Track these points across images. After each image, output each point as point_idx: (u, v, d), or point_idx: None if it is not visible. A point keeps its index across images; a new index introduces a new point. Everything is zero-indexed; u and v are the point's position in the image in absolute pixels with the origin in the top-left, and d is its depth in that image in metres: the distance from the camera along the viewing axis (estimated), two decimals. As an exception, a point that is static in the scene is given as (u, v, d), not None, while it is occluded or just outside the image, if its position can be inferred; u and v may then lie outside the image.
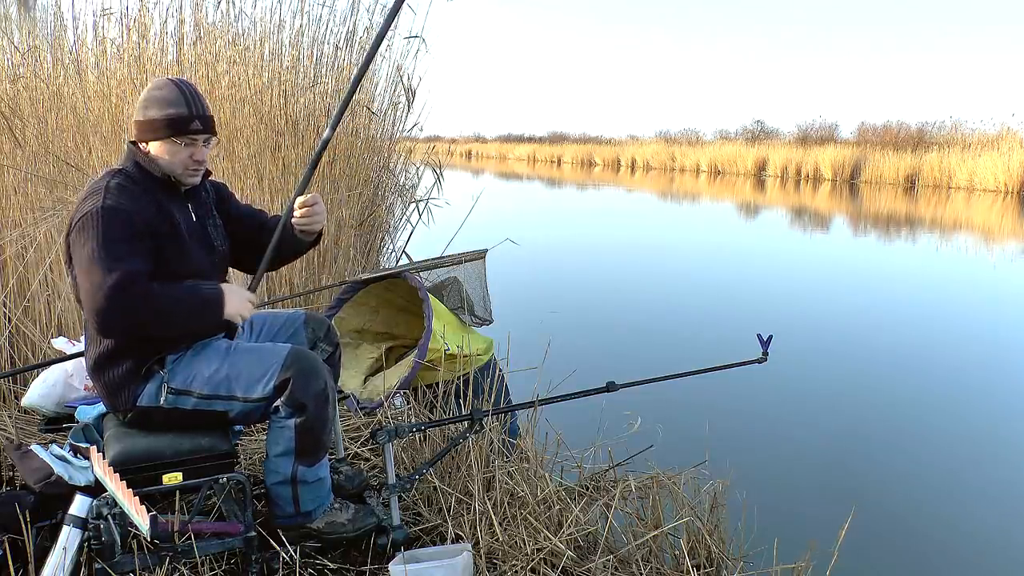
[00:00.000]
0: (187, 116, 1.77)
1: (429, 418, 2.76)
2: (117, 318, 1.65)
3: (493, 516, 2.04)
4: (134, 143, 1.84)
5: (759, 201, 18.42)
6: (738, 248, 10.43)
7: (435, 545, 2.04)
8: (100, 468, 1.65)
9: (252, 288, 1.94)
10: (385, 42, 4.23)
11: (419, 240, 4.64)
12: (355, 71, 2.06)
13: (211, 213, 1.99)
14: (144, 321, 1.68)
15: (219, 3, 3.93)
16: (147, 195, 1.78)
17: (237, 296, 1.79)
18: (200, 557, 1.79)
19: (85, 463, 1.97)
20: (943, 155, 22.31)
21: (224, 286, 1.80)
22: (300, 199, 1.96)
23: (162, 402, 1.79)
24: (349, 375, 3.05)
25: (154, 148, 1.81)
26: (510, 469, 2.25)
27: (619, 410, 2.66)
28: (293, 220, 1.97)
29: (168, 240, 1.78)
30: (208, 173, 1.98)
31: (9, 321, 3.18)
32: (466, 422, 2.16)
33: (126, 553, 1.66)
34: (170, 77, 1.84)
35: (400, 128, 4.56)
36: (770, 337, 2.43)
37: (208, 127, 1.82)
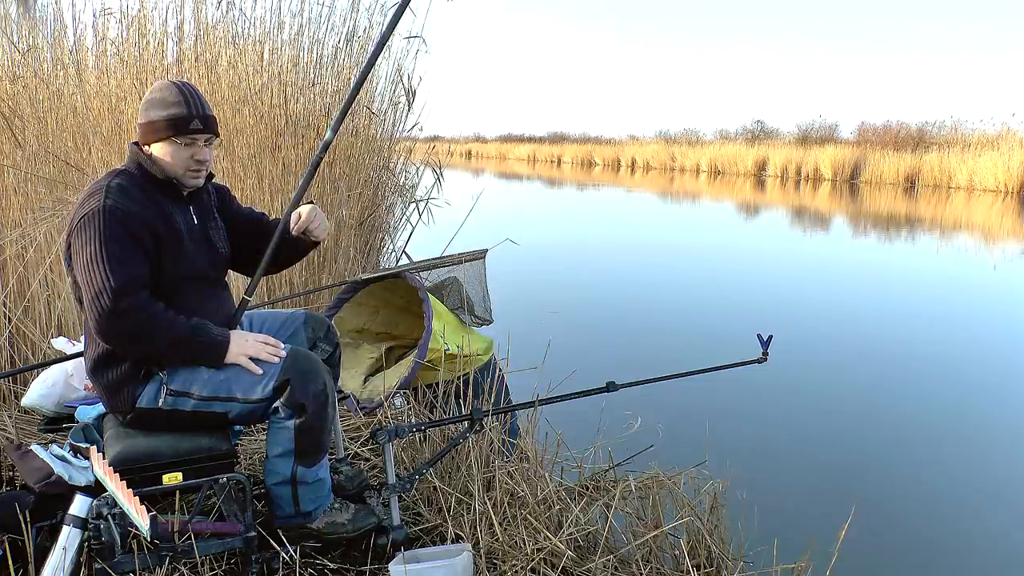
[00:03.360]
0: (187, 116, 1.78)
1: (429, 418, 2.76)
2: (116, 324, 1.67)
3: (493, 516, 2.04)
4: (137, 144, 1.84)
5: (759, 201, 18.42)
6: (738, 248, 10.43)
7: (435, 545, 2.04)
8: (100, 468, 1.65)
9: (249, 292, 1.94)
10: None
11: (419, 240, 4.64)
12: (355, 76, 2.06)
13: (213, 216, 1.99)
14: (142, 337, 1.71)
15: (219, 3, 3.93)
16: (148, 196, 1.78)
17: (241, 338, 1.81)
18: (200, 557, 1.79)
19: (85, 463, 1.97)
20: (943, 155, 22.32)
21: (233, 332, 1.82)
22: (294, 218, 1.96)
23: (161, 404, 1.79)
24: (349, 375, 3.05)
25: (156, 150, 1.81)
26: (510, 469, 2.25)
27: (619, 410, 2.66)
28: (293, 230, 1.98)
29: (168, 242, 1.78)
30: (211, 176, 1.98)
31: (9, 321, 3.18)
32: (466, 422, 2.16)
33: (126, 553, 1.66)
34: (171, 79, 1.84)
35: (400, 128, 4.57)
36: (770, 337, 2.43)
37: (208, 126, 1.82)
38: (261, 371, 1.79)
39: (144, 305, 1.69)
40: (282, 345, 1.85)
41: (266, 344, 1.82)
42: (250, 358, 1.80)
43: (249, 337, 1.82)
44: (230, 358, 1.78)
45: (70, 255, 1.73)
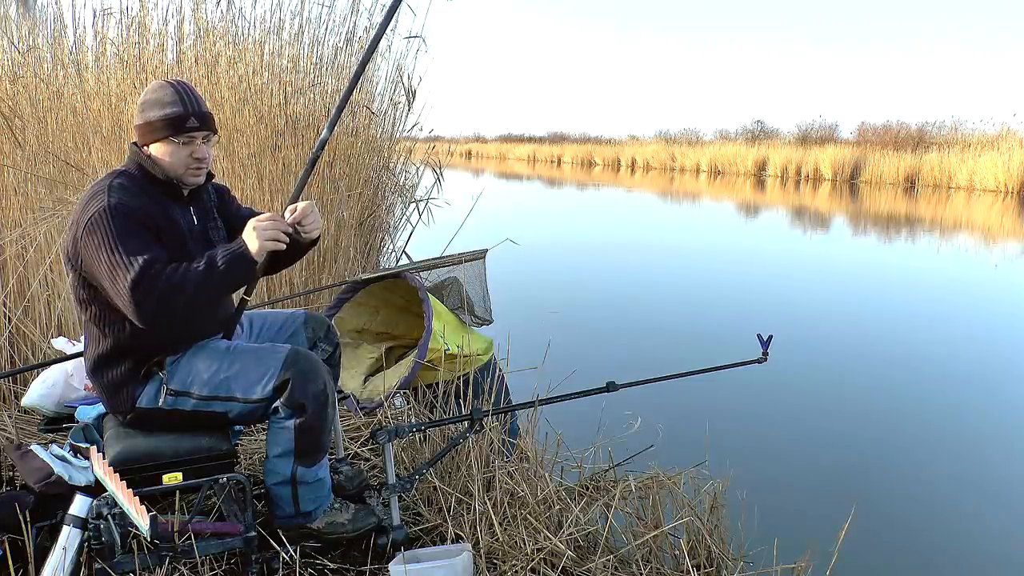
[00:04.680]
0: (183, 114, 1.77)
1: (429, 418, 2.76)
2: (155, 307, 1.63)
3: (493, 516, 2.04)
4: (136, 145, 1.84)
5: (759, 201, 18.42)
6: (738, 248, 10.43)
7: (435, 545, 2.04)
8: (100, 468, 1.65)
9: (248, 292, 1.94)
10: (384, 42, 4.24)
11: (419, 240, 4.64)
12: (353, 72, 2.07)
13: (213, 216, 1.99)
14: (174, 304, 1.64)
15: (219, 3, 3.93)
16: (148, 197, 1.78)
17: (252, 234, 1.70)
18: (200, 557, 1.79)
19: (85, 463, 1.97)
20: (943, 155, 22.32)
21: (243, 238, 1.72)
22: (289, 210, 1.94)
23: (161, 403, 1.79)
24: (349, 375, 3.05)
25: (155, 150, 1.81)
26: (510, 469, 2.25)
27: (619, 410, 2.66)
28: (288, 220, 1.97)
29: (169, 241, 1.78)
30: (211, 176, 1.98)
31: (9, 321, 3.18)
32: (466, 422, 2.16)
33: (126, 553, 1.66)
34: (166, 79, 1.84)
35: (400, 128, 4.57)
36: (770, 337, 2.43)
37: (205, 124, 1.81)
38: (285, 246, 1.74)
39: (154, 283, 1.62)
40: (287, 215, 1.78)
41: (272, 223, 1.72)
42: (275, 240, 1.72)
43: (257, 226, 1.71)
44: (261, 253, 1.71)
45: (72, 256, 1.73)
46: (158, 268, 1.64)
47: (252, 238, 1.70)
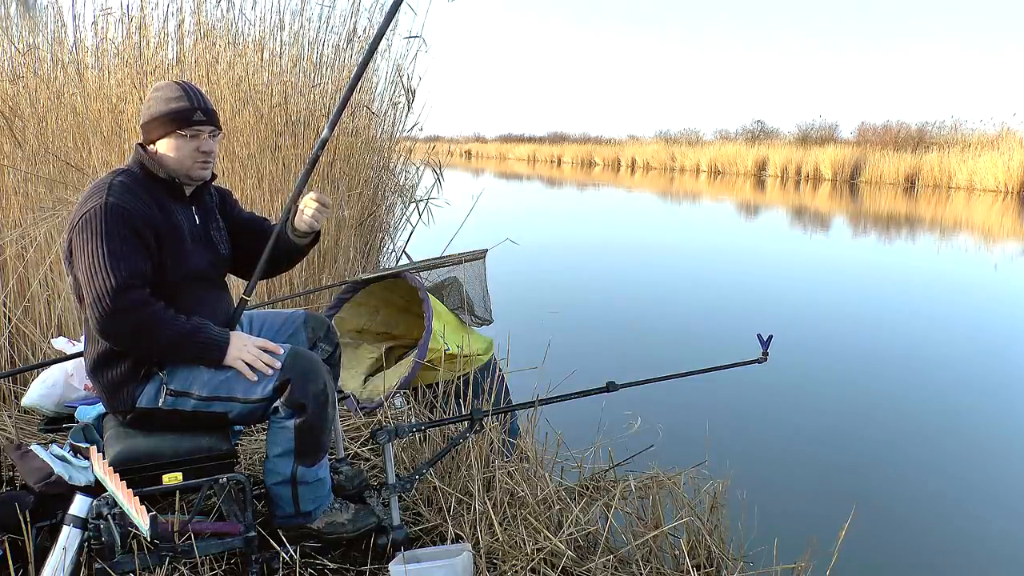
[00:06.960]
0: (189, 108, 1.79)
1: (429, 418, 2.76)
2: (117, 322, 1.67)
3: (493, 516, 2.04)
4: (141, 145, 1.84)
5: (759, 201, 18.42)
6: (738, 248, 10.43)
7: (435, 545, 2.04)
8: (100, 468, 1.65)
9: (248, 292, 1.94)
10: (384, 42, 4.24)
11: (419, 240, 4.64)
12: (353, 72, 2.06)
13: (215, 216, 2.00)
14: (143, 336, 1.70)
15: (219, 3, 3.93)
16: (150, 195, 1.79)
17: (240, 341, 1.80)
18: (200, 557, 1.79)
19: (85, 463, 1.97)
20: (943, 155, 22.33)
21: (233, 333, 1.81)
22: (313, 194, 1.97)
23: (161, 404, 1.79)
24: (349, 375, 3.05)
25: (161, 147, 1.81)
26: (510, 469, 2.25)
27: (619, 410, 2.66)
28: (301, 204, 1.98)
29: (169, 240, 1.78)
30: (213, 176, 1.98)
31: (9, 321, 3.17)
32: (466, 422, 2.16)
33: (126, 553, 1.66)
34: (172, 79, 1.85)
35: (400, 128, 4.57)
36: (770, 337, 2.43)
37: (211, 119, 1.84)
38: (256, 378, 1.79)
39: (144, 303, 1.69)
40: (281, 351, 1.84)
41: (264, 351, 1.81)
42: (246, 364, 1.79)
43: (248, 342, 1.81)
44: (228, 360, 1.78)
45: (71, 253, 1.73)
46: (141, 295, 1.68)
47: (235, 348, 1.78)
